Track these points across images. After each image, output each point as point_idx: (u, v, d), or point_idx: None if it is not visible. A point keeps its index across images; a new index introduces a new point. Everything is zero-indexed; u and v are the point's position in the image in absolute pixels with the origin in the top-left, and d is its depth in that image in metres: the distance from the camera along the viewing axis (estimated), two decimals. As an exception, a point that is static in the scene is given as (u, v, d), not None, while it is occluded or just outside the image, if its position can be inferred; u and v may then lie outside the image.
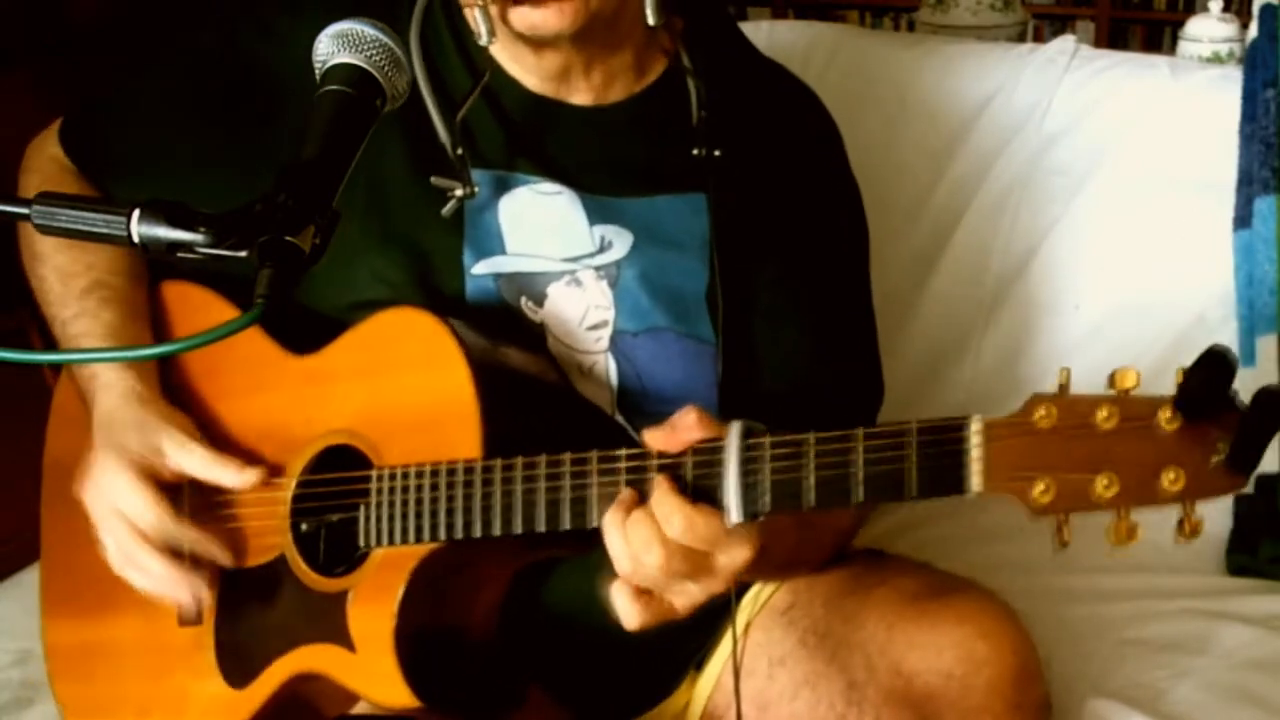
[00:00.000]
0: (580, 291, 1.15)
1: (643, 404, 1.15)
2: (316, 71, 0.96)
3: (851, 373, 1.22)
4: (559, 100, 1.17)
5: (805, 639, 1.18)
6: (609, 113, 1.17)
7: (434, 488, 1.01)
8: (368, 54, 0.95)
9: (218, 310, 1.19)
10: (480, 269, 1.15)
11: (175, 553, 1.11)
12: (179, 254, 0.85)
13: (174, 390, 1.19)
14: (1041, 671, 1.09)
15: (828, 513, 1.15)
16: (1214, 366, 0.74)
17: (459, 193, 1.12)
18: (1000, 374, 1.72)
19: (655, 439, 0.93)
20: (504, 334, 1.13)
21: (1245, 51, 1.72)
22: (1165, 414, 0.76)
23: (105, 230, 0.85)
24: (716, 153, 1.16)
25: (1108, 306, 1.68)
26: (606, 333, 1.15)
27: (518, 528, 0.97)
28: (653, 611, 0.93)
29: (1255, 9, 1.69)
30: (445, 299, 1.13)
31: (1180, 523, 0.77)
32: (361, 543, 1.06)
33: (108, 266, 1.20)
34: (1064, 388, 0.80)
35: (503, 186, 1.16)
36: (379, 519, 1.04)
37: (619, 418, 1.15)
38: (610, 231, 1.16)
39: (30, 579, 1.52)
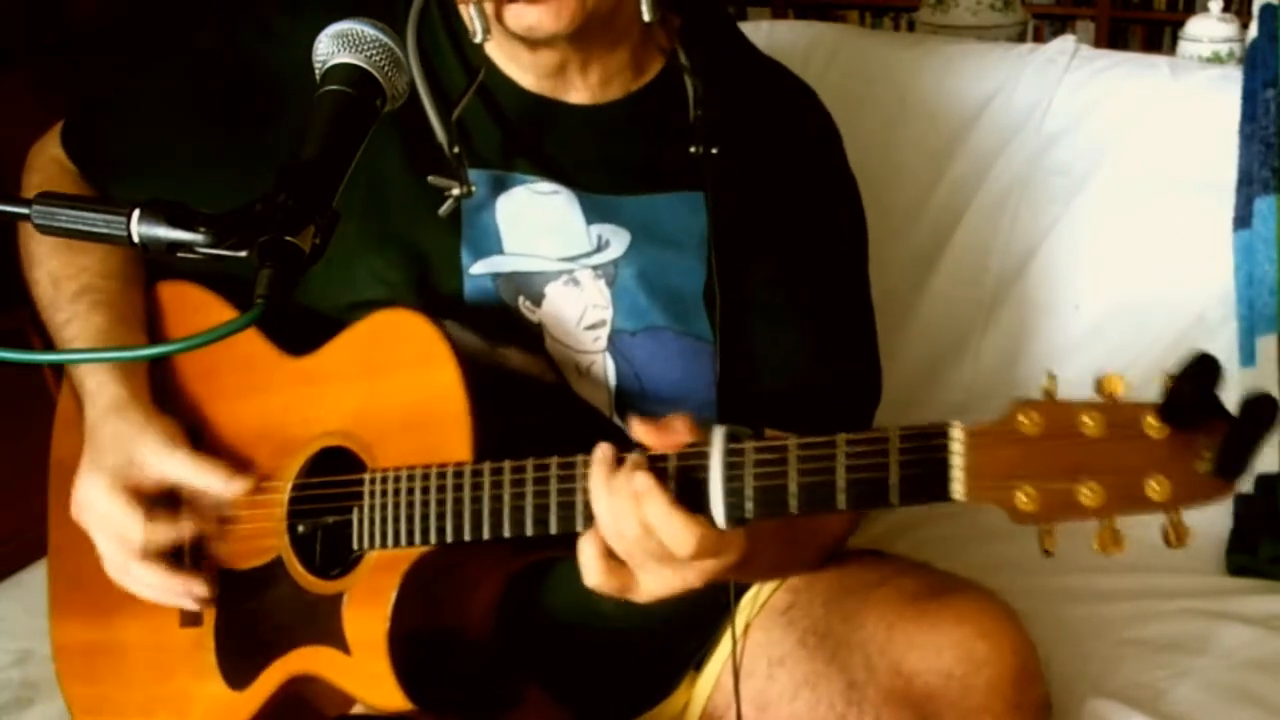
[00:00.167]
0: (578, 291, 1.15)
1: (641, 404, 1.15)
2: (316, 71, 0.96)
3: (850, 372, 1.21)
4: (555, 99, 1.16)
5: (805, 639, 1.18)
6: (606, 111, 1.17)
7: (425, 490, 1.01)
8: (368, 54, 0.95)
9: (216, 311, 1.19)
10: (478, 269, 1.15)
11: (173, 555, 1.11)
12: (179, 254, 0.85)
13: (172, 393, 1.19)
14: (1041, 671, 1.08)
15: (817, 520, 1.15)
16: (1201, 373, 0.73)
17: (456, 192, 1.12)
18: (1000, 374, 1.72)
19: (646, 433, 0.92)
20: (502, 334, 1.13)
21: (1245, 51, 1.72)
22: (1151, 421, 0.75)
23: (105, 230, 0.85)
24: (714, 151, 1.15)
25: (1107, 307, 1.68)
26: (604, 332, 1.15)
27: (506, 532, 0.97)
28: (615, 579, 0.91)
29: (1255, 9, 1.69)
30: (443, 299, 1.13)
31: (1166, 531, 0.76)
32: (355, 545, 1.06)
33: (100, 270, 1.20)
34: (1049, 393, 0.78)
35: (500, 186, 1.16)
36: (372, 522, 1.04)
37: (616, 418, 1.15)
38: (607, 230, 1.16)
39: (30, 579, 1.52)
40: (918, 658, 1.07)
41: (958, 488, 0.79)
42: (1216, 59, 1.88)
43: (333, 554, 1.09)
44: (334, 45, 0.96)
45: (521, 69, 1.16)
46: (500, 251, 1.15)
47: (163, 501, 1.11)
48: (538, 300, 1.15)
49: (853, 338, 1.23)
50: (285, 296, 0.84)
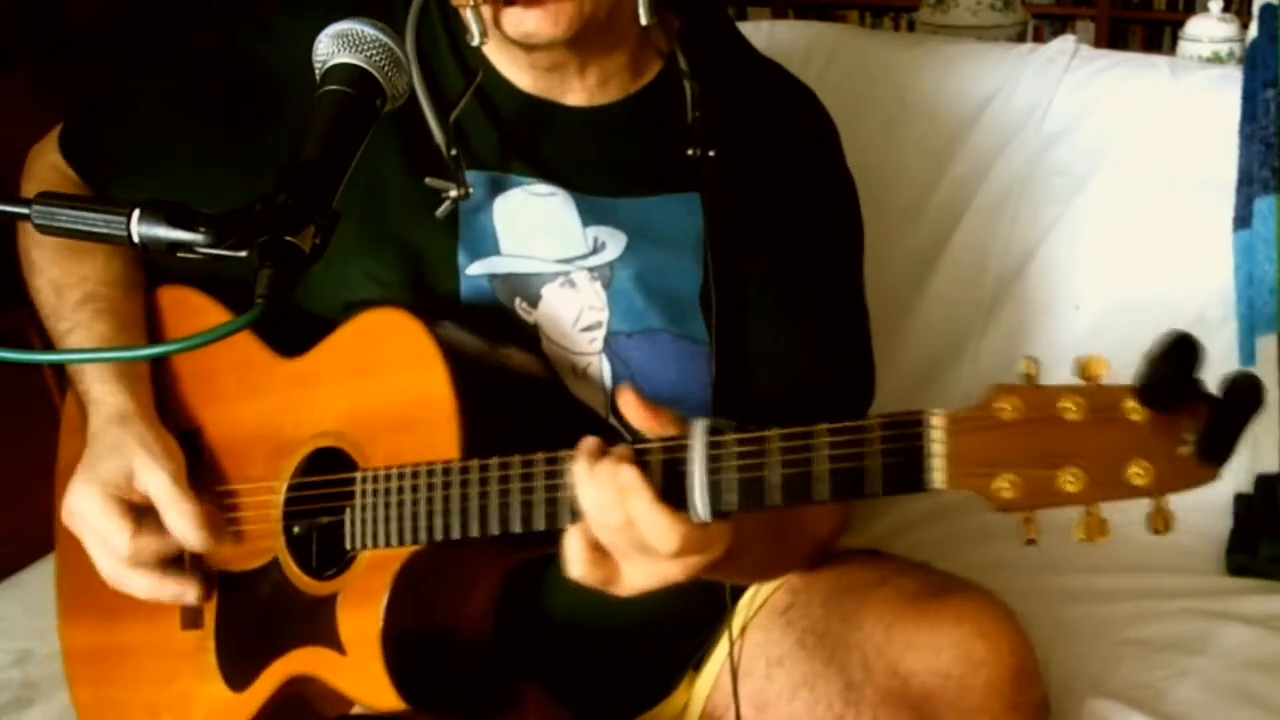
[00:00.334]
0: (574, 293, 1.15)
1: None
2: (316, 71, 0.96)
3: (845, 372, 1.21)
4: (552, 101, 1.16)
5: (804, 639, 1.18)
6: (603, 113, 1.17)
7: (414, 490, 1.01)
8: (368, 54, 0.95)
9: (215, 315, 1.19)
10: (475, 270, 1.15)
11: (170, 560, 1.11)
12: (179, 254, 0.84)
13: (173, 396, 1.19)
14: (1039, 672, 1.08)
15: (804, 518, 1.15)
16: (1178, 353, 0.71)
17: (453, 193, 1.12)
18: (1000, 375, 1.68)
19: (634, 406, 0.90)
20: (498, 335, 1.13)
21: (1245, 51, 1.72)
22: (1131, 404, 0.74)
23: (105, 230, 0.85)
24: (711, 153, 1.15)
25: (1107, 306, 1.68)
26: (600, 334, 1.15)
27: (494, 529, 0.96)
28: (599, 570, 0.90)
29: (1255, 9, 1.69)
30: (440, 299, 1.13)
31: (1151, 516, 0.75)
32: (348, 545, 1.06)
33: (102, 278, 1.20)
34: (1029, 378, 0.77)
35: (497, 187, 1.16)
36: (363, 522, 1.04)
37: (613, 419, 1.15)
38: (603, 233, 1.16)
39: (30, 579, 1.52)
40: (915, 658, 1.07)
41: (937, 475, 0.78)
42: (1216, 59, 1.89)
43: (328, 554, 1.09)
44: (334, 45, 0.95)
45: (519, 71, 1.15)
46: (497, 253, 1.15)
47: (154, 511, 1.11)
48: (534, 301, 1.15)
49: (848, 338, 1.23)
50: (285, 296, 0.84)
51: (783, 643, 1.19)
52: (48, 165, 1.27)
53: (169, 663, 1.17)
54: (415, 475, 1.01)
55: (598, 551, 0.89)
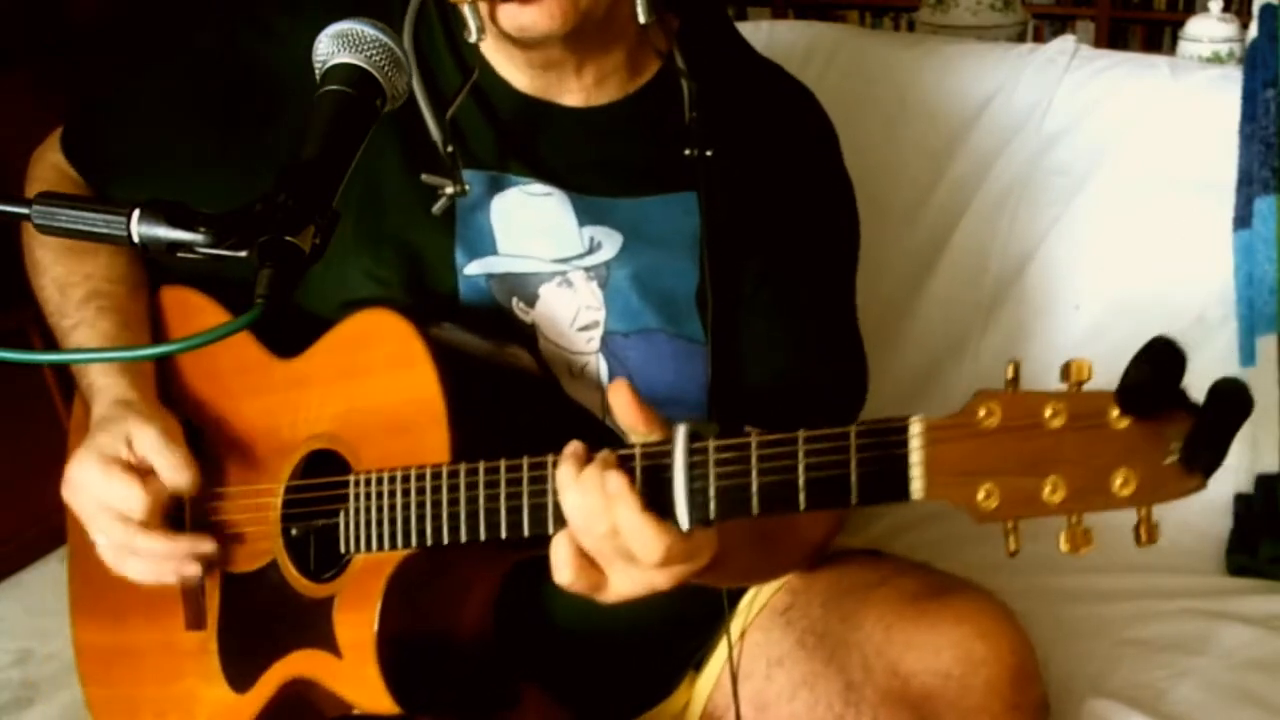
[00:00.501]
0: (571, 292, 1.15)
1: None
2: (316, 71, 0.96)
3: (839, 372, 1.21)
4: (549, 101, 1.16)
5: (804, 639, 1.18)
6: (600, 113, 1.17)
7: (405, 493, 1.00)
8: (368, 54, 0.95)
9: (215, 315, 1.19)
10: (472, 269, 1.15)
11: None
12: (179, 254, 0.84)
13: (174, 397, 1.19)
14: (1039, 672, 1.08)
15: (792, 524, 1.14)
16: (1158, 358, 0.69)
17: (449, 190, 1.12)
18: (999, 375, 1.70)
19: (626, 404, 0.88)
20: (495, 335, 1.13)
21: (1245, 51, 1.72)
22: (1114, 411, 0.71)
23: (105, 230, 0.85)
24: (709, 153, 1.15)
25: (1107, 306, 1.68)
26: (597, 334, 1.15)
27: (482, 534, 0.96)
28: (586, 578, 0.89)
29: (1255, 9, 1.69)
30: (439, 299, 1.13)
31: (1136, 527, 0.72)
32: (343, 548, 1.06)
33: (105, 275, 1.20)
34: (1011, 383, 0.74)
35: (494, 187, 1.16)
36: (356, 525, 1.04)
37: (609, 420, 1.15)
38: (600, 232, 1.15)
39: (30, 579, 1.52)
40: (915, 658, 1.07)
41: (916, 485, 0.76)
42: (1216, 59, 1.89)
43: (325, 557, 1.09)
44: (334, 45, 0.95)
45: (516, 70, 1.15)
46: (494, 252, 1.15)
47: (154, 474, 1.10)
48: (531, 301, 1.15)
49: (842, 337, 1.23)
50: (285, 296, 0.84)
51: (783, 643, 1.19)
52: (50, 165, 1.27)
53: (175, 663, 1.18)
54: (405, 479, 1.00)
55: (584, 558, 0.88)
